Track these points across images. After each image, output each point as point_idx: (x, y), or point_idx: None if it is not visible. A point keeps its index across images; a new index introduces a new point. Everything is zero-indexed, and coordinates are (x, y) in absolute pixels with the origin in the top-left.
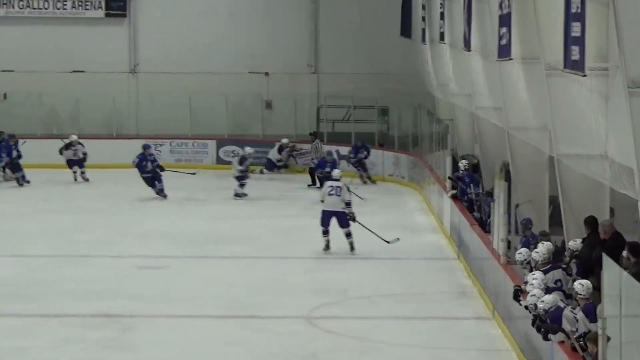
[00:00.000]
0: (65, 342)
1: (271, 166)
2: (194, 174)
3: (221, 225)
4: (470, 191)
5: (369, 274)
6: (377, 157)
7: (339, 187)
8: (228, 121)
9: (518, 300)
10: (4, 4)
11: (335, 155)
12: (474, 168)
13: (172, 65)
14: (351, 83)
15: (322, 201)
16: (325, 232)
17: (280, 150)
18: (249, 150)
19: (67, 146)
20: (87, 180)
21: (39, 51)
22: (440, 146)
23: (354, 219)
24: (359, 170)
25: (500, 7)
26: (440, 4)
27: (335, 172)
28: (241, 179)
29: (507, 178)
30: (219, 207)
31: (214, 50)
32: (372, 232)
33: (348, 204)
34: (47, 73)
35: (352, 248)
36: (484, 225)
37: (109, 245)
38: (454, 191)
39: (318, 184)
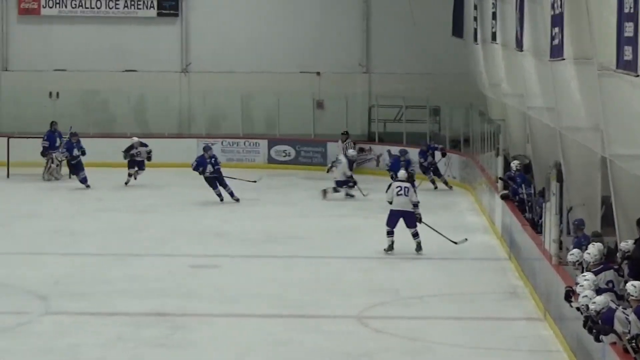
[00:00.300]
0: (117, 340)
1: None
2: (254, 182)
3: (274, 224)
4: (521, 191)
5: (421, 274)
6: (428, 157)
7: (407, 187)
8: (279, 121)
9: (569, 301)
10: (57, 3)
11: (409, 155)
12: (526, 168)
13: (224, 64)
14: (403, 83)
15: (390, 202)
16: (390, 233)
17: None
18: (352, 153)
19: (129, 149)
20: (134, 178)
21: (92, 50)
22: (491, 146)
23: (420, 220)
24: (429, 175)
25: (553, 7)
26: (493, 3)
27: (401, 173)
28: (347, 182)
29: (559, 178)
30: (272, 207)
31: (266, 50)
32: (439, 232)
33: (416, 205)
34: (99, 72)
35: (419, 248)
36: (536, 226)
37: (162, 244)
38: (505, 191)
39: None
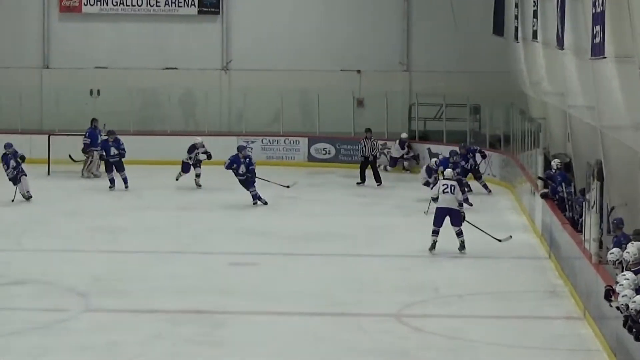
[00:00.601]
0: (155, 337)
1: (394, 163)
2: (288, 187)
3: (313, 222)
4: (561, 190)
5: (460, 273)
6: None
7: (453, 185)
8: (319, 119)
9: (609, 301)
10: (98, 1)
11: (459, 158)
12: (566, 167)
13: (264, 62)
14: (443, 81)
15: (434, 198)
16: (436, 232)
17: (402, 145)
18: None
19: (192, 149)
20: (198, 185)
21: (132, 48)
22: (532, 145)
23: (464, 218)
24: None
25: (594, 5)
26: (534, 2)
27: (448, 172)
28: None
29: (600, 177)
30: (311, 204)
31: (306, 48)
32: (483, 231)
33: (461, 204)
34: (140, 70)
35: (462, 247)
36: (576, 225)
37: (202, 241)
38: (545, 190)
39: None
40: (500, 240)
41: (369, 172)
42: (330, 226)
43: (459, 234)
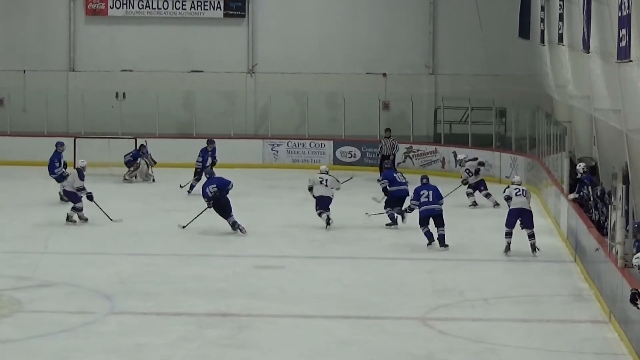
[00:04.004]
0: (182, 340)
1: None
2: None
3: (339, 225)
4: (585, 192)
5: (486, 276)
6: (494, 159)
7: (525, 190)
8: (345, 122)
9: (635, 304)
10: (124, 4)
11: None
12: (592, 170)
13: (290, 65)
14: (469, 84)
15: (507, 198)
16: (509, 234)
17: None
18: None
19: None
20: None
21: (158, 51)
22: (558, 148)
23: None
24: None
25: (620, 8)
26: (559, 5)
27: (516, 179)
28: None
29: (626, 181)
30: (337, 207)
31: (332, 51)
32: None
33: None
34: (166, 73)
35: (535, 249)
36: (602, 229)
37: (227, 244)
38: (576, 195)
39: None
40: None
41: None
42: (356, 229)
43: (531, 236)
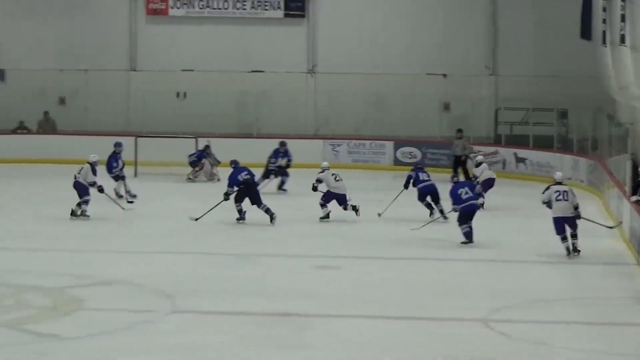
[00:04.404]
0: (240, 339)
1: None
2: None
3: (398, 226)
4: None
5: (546, 278)
6: (555, 160)
7: (565, 191)
8: (405, 122)
9: None
10: (184, 4)
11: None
12: None
13: (350, 65)
14: (530, 85)
15: (545, 202)
16: (564, 239)
17: None
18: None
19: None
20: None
21: (218, 51)
22: (620, 150)
23: (579, 217)
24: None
25: None
26: (621, 5)
27: (558, 175)
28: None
29: None
30: (396, 208)
31: (392, 51)
32: (595, 222)
33: (577, 208)
34: (226, 73)
35: (575, 251)
36: None
37: (286, 244)
38: (639, 197)
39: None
40: (612, 227)
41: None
42: (416, 230)
43: (574, 236)
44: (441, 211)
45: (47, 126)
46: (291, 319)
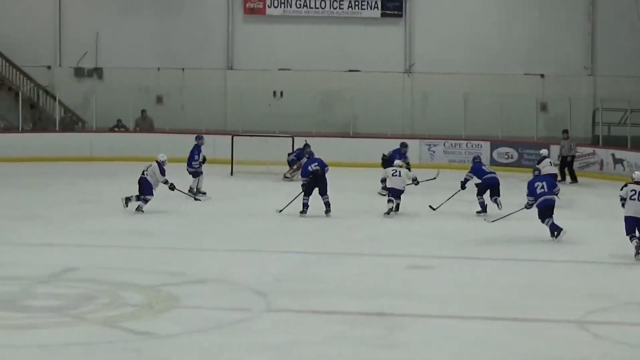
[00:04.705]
0: (333, 338)
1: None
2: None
3: (494, 226)
4: None
5: None
6: None
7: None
8: (502, 122)
9: None
10: (282, 3)
11: None
12: None
13: (447, 65)
14: (629, 86)
15: (623, 200)
16: (633, 238)
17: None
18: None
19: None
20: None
21: (315, 50)
22: None
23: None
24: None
25: None
26: None
27: (637, 174)
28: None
29: None
30: (491, 209)
31: (489, 51)
32: None
33: None
34: (323, 72)
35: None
36: None
37: (380, 243)
38: None
39: (570, 180)
40: None
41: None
42: (511, 230)
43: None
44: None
45: (144, 124)
46: (385, 318)
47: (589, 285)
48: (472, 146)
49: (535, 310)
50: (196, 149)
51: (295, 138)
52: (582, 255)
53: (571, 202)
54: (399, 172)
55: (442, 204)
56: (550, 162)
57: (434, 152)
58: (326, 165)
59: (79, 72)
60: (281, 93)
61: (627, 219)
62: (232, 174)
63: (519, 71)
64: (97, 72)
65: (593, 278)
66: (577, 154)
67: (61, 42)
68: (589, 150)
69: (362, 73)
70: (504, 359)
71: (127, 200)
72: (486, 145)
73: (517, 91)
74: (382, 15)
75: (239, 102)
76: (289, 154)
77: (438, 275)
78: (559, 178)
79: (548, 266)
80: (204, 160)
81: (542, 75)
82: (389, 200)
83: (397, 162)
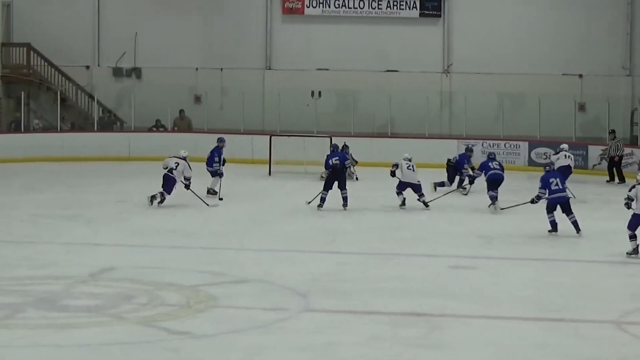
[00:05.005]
0: (374, 339)
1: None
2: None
3: (536, 226)
4: None
5: None
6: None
7: None
8: (540, 123)
9: None
10: (320, 3)
11: None
12: None
13: (485, 65)
14: None
15: (630, 201)
16: (633, 237)
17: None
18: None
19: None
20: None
21: (353, 50)
22: None
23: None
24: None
25: None
26: None
27: None
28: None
29: None
30: (531, 209)
31: (528, 52)
32: None
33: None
34: (361, 72)
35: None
36: None
37: (421, 244)
38: None
39: (618, 180)
40: None
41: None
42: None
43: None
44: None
45: (182, 124)
46: (426, 318)
47: (629, 285)
48: (510, 146)
49: (575, 310)
50: (216, 151)
51: (333, 138)
52: (622, 255)
53: (610, 202)
54: (413, 166)
55: (510, 206)
56: (566, 155)
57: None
58: (347, 160)
59: (117, 72)
60: (319, 93)
61: (635, 216)
62: (270, 174)
63: (557, 71)
64: (136, 71)
65: (633, 278)
66: (624, 154)
67: (100, 42)
68: (628, 150)
69: (400, 73)
70: (543, 359)
71: (153, 198)
72: (524, 146)
73: (555, 91)
74: (421, 15)
75: (277, 102)
76: (327, 155)
77: (480, 276)
78: (608, 179)
79: (588, 266)
80: (224, 162)
81: (581, 76)
82: (398, 193)
83: (405, 155)
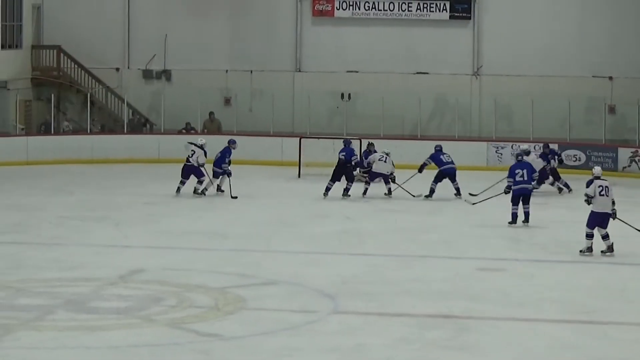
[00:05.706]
0: (402, 341)
1: None
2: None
3: (561, 228)
4: None
5: None
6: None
7: (607, 186)
8: (570, 125)
9: None
10: (350, 5)
11: None
12: None
13: (515, 67)
14: None
15: (590, 197)
16: (590, 235)
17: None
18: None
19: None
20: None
21: (383, 52)
22: None
23: (615, 215)
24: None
25: None
26: None
27: (597, 170)
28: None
29: None
30: (561, 211)
31: (558, 53)
32: (628, 224)
33: (614, 203)
34: (391, 74)
35: (609, 250)
36: None
37: (449, 246)
38: None
39: None
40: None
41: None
42: (579, 233)
43: (605, 237)
44: (457, 189)
45: (212, 126)
46: (454, 320)
47: None
48: (540, 148)
49: (604, 312)
50: (227, 152)
51: (363, 140)
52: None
53: (636, 204)
54: (386, 158)
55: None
56: (536, 155)
57: (501, 154)
58: (353, 155)
59: (147, 74)
60: (349, 95)
61: (594, 215)
62: (299, 176)
63: (588, 73)
64: (166, 74)
65: None
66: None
67: (130, 44)
68: None
69: (430, 75)
70: None
71: (178, 189)
72: (554, 148)
73: (586, 93)
74: (451, 17)
75: (307, 104)
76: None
77: (508, 278)
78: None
79: (617, 269)
80: (230, 163)
81: (611, 78)
82: (366, 182)
83: (384, 150)
